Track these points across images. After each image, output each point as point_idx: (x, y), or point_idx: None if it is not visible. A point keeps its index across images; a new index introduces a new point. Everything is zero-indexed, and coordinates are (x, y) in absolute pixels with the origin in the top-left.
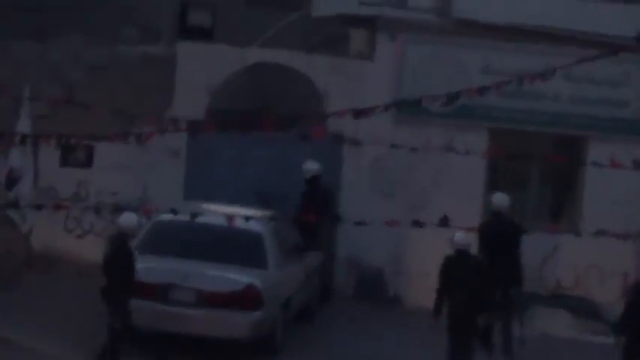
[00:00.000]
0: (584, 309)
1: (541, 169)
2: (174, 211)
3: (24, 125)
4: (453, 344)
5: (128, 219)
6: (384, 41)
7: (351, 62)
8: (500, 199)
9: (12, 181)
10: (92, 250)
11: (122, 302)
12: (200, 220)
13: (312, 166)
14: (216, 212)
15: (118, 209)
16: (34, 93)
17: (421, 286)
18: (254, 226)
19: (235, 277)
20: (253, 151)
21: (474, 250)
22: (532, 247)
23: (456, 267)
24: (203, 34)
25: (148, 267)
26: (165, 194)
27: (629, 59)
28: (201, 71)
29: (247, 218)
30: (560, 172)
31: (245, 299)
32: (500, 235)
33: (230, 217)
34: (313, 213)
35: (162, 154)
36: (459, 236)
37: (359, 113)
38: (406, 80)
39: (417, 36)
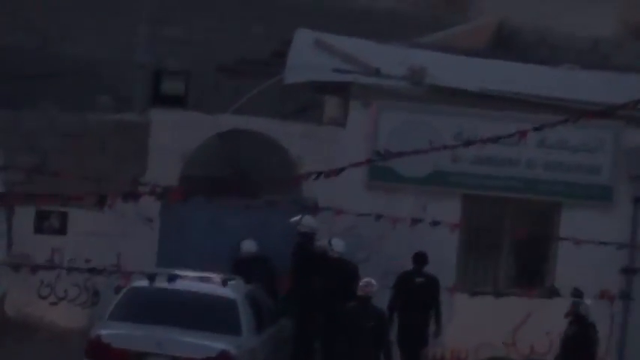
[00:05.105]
0: None
1: (514, 235)
2: (150, 278)
3: None
4: None
5: None
6: (357, 108)
7: (325, 129)
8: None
9: None
10: (66, 317)
11: None
12: (174, 286)
13: (249, 247)
14: (189, 279)
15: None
16: (8, 160)
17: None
18: (228, 292)
19: (209, 344)
20: (227, 218)
21: None
22: (506, 312)
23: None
24: (176, 102)
25: (122, 334)
26: (139, 261)
27: (602, 125)
28: (175, 138)
29: (222, 283)
30: (533, 238)
31: None
32: None
33: (205, 279)
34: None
35: (135, 221)
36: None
37: (328, 175)
38: (380, 147)
39: (390, 103)
